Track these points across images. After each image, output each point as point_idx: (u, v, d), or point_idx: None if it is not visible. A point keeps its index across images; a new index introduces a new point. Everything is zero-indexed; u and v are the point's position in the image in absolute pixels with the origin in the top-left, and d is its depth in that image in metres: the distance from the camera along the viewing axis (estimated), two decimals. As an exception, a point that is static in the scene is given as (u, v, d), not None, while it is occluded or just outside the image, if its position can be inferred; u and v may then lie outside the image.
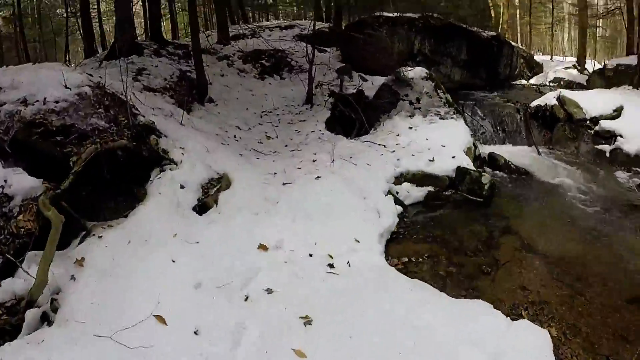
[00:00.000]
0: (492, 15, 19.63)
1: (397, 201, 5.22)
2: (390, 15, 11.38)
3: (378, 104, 8.22)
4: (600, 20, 22.26)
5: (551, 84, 16.48)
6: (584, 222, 5.25)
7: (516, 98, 11.44)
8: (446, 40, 11.80)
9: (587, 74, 17.74)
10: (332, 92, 8.95)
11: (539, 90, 13.86)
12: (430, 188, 5.77)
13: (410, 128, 7.29)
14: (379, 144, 6.63)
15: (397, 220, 4.84)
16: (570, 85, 16.55)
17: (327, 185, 4.78)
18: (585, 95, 9.86)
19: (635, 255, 4.41)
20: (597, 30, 23.38)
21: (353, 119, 8.05)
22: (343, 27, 12.36)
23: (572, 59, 22.32)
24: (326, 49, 11.97)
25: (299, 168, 5.32)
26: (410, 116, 7.66)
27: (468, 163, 6.23)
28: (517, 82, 15.84)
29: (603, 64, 13.26)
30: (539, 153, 8.64)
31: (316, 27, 10.25)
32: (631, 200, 6.14)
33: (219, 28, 12.74)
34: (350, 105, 8.16)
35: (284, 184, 4.92)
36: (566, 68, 18.44)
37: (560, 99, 9.55)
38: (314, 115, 8.43)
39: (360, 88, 9.21)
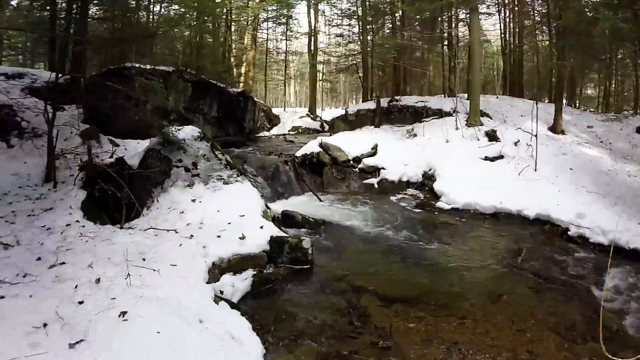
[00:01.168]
0: (234, 72, 20.29)
1: (231, 304, 3.98)
2: (144, 67, 9.83)
3: (146, 175, 6.58)
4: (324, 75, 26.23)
5: (290, 132, 18.40)
6: (403, 251, 5.85)
7: (271, 149, 11.92)
8: (199, 97, 11.27)
9: (319, 121, 20.65)
10: (84, 163, 6.79)
11: (286, 139, 15.12)
12: (252, 271, 4.77)
13: (194, 200, 6.14)
14: (168, 230, 5.19)
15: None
16: (308, 131, 18.82)
17: (144, 326, 3.09)
18: (344, 138, 11.05)
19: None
20: (322, 84, 27.60)
21: (117, 197, 6.18)
22: (86, 81, 9.98)
23: (303, 109, 25.75)
24: (65, 107, 9.37)
25: (80, 302, 3.30)
26: (189, 185, 6.46)
27: (278, 231, 5.60)
28: (261, 134, 16.92)
29: (345, 110, 15.28)
30: (319, 200, 8.85)
31: (54, 78, 7.81)
32: (429, 218, 7.57)
33: None
34: (112, 179, 6.31)
35: (71, 345, 2.83)
36: (301, 117, 20.87)
37: (323, 145, 10.23)
38: (62, 199, 6.04)
39: (117, 155, 7.40)
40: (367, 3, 17.38)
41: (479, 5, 12.80)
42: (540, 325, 4.05)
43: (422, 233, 6.87)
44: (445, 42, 18.28)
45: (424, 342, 3.72)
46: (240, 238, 5.03)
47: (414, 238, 6.61)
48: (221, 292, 4.20)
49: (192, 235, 5.00)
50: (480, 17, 13.48)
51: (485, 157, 9.88)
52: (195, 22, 15.24)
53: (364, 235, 6.71)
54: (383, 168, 9.97)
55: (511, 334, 3.90)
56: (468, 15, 14.13)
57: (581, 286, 5.08)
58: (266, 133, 17.72)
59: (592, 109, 19.98)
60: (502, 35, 20.34)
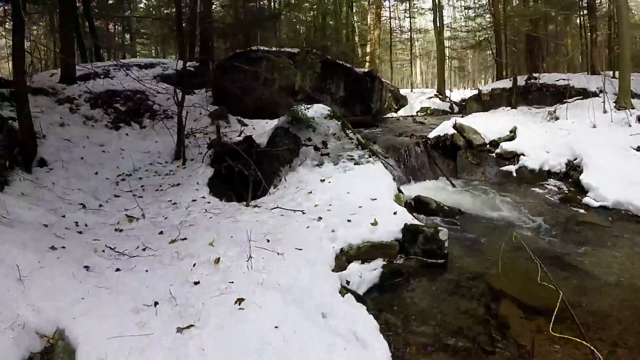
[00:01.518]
0: (359, 52, 19.92)
1: (357, 297, 3.51)
2: (269, 49, 9.83)
3: (274, 153, 6.52)
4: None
5: (419, 114, 17.32)
6: (546, 253, 4.90)
7: (401, 130, 11.18)
8: (326, 77, 11.03)
9: (448, 102, 19.29)
10: (213, 141, 6.94)
11: (415, 120, 14.32)
12: (381, 261, 4.24)
13: (323, 180, 5.79)
14: (295, 210, 4.92)
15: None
16: (437, 112, 17.64)
17: (261, 318, 2.72)
18: (479, 120, 9.90)
19: None
20: (451, 62, 25.80)
21: (244, 175, 6.14)
22: (214, 64, 10.51)
23: (430, 90, 24.34)
24: (195, 90, 9.95)
25: (196, 283, 3.13)
26: (318, 165, 6.16)
27: (412, 218, 4.96)
28: (388, 115, 16.11)
29: (477, 89, 13.92)
30: (453, 186, 7.97)
31: (182, 65, 8.29)
32: (573, 217, 6.39)
33: (62, 62, 9.61)
34: (240, 157, 6.29)
35: (179, 329, 2.57)
36: (429, 98, 19.67)
37: (457, 127, 9.23)
38: (190, 176, 6.25)
39: (245, 134, 7.44)
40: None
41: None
42: None
43: (568, 233, 5.72)
44: (584, 12, 15.29)
45: None
46: (371, 224, 4.53)
47: (558, 238, 5.54)
48: (347, 283, 3.76)
49: (320, 218, 4.64)
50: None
51: (639, 147, 7.98)
52: (316, 5, 15.07)
53: (504, 230, 5.74)
54: (522, 154, 8.67)
55: None
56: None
57: None
58: (393, 114, 16.95)
59: None
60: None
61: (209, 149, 6.87)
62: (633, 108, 9.35)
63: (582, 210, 6.70)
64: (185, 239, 4.02)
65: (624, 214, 6.43)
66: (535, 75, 12.60)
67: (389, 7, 24.46)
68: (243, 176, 6.18)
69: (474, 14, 20.30)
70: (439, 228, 4.63)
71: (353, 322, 2.92)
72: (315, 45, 11.59)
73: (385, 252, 4.35)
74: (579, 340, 3.18)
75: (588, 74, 12.61)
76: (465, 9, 21.07)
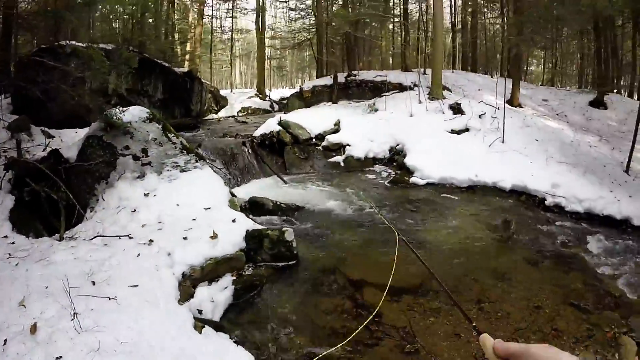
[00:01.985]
0: (179, 50, 18.78)
1: (216, 326, 3.18)
2: (80, 45, 8.26)
3: (87, 168, 5.45)
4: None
5: (240, 114, 17.28)
6: (389, 233, 5.05)
7: (225, 131, 11.01)
8: (143, 77, 10.07)
9: (268, 100, 19.80)
10: (12, 160, 5.56)
11: (237, 120, 14.29)
12: (230, 276, 3.96)
13: (147, 195, 5.16)
14: (120, 236, 4.21)
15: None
16: (258, 111, 17.90)
17: None
18: (303, 116, 10.33)
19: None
20: (271, 62, 26.43)
21: (54, 200, 5.00)
22: (15, 64, 8.48)
23: (250, 90, 24.59)
24: None
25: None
26: (140, 177, 5.45)
27: (252, 223, 4.84)
28: (208, 116, 15.76)
29: (299, 87, 14.48)
30: (284, 182, 8.15)
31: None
32: (404, 195, 7.32)
33: None
34: (46, 178, 5.24)
35: None
36: (249, 97, 19.89)
37: (282, 123, 9.49)
38: None
39: (51, 148, 6.27)
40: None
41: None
42: (552, 299, 3.93)
43: (404, 211, 6.48)
44: (396, 19, 17.91)
45: (452, 337, 3.30)
46: (211, 237, 4.18)
47: (396, 217, 6.19)
48: (200, 312, 3.37)
49: (151, 241, 4.06)
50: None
51: (452, 130, 9.69)
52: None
53: (344, 218, 6.13)
54: (348, 145, 9.46)
55: (531, 312, 3.69)
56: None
57: (571, 254, 5.09)
58: (214, 115, 16.65)
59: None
60: (453, 12, 20.48)
61: (6, 171, 5.51)
62: (445, 98, 11.03)
63: (412, 189, 7.71)
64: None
65: (449, 188, 7.68)
66: (354, 72, 13.75)
67: (212, 6, 23.80)
68: (52, 201, 5.07)
69: (297, 15, 21.14)
70: (284, 229, 4.57)
71: (223, 360, 2.53)
72: (131, 42, 10.48)
73: (231, 265, 4.08)
74: (450, 305, 3.46)
75: (402, 71, 14.43)
76: (289, 9, 21.83)
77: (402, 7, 17.29)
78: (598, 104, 12.79)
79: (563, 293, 4.05)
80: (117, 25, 15.25)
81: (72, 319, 2.69)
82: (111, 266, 3.50)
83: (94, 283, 3.21)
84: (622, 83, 16.86)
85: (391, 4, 17.20)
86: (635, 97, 16.03)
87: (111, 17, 14.41)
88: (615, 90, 14.79)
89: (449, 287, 3.90)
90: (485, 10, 21.05)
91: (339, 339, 3.17)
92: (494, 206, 6.80)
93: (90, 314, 2.78)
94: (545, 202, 6.85)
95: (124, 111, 6.04)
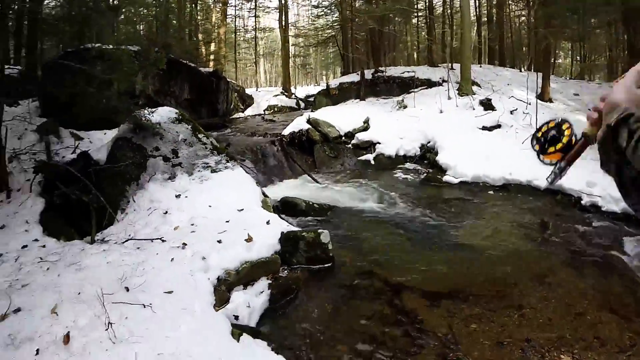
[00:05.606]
0: (203, 50, 18.85)
1: (253, 332, 3.00)
2: (108, 47, 8.39)
3: (117, 170, 5.46)
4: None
5: (266, 112, 17.21)
6: (424, 234, 5.25)
7: (253, 129, 10.88)
8: (170, 78, 10.02)
9: (294, 98, 19.67)
10: (41, 163, 5.54)
11: (264, 119, 14.13)
12: (266, 280, 3.77)
13: (179, 196, 5.05)
14: (152, 239, 4.09)
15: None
16: (284, 109, 17.81)
17: None
18: (331, 114, 10.12)
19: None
20: (296, 60, 26.25)
21: (84, 203, 4.92)
22: (41, 68, 8.62)
23: (275, 88, 24.51)
24: (19, 101, 8.00)
25: None
26: (170, 178, 5.37)
27: (287, 224, 4.64)
28: (235, 115, 15.71)
29: (326, 84, 14.25)
30: (316, 181, 7.93)
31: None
32: (439, 194, 7.09)
33: None
34: (76, 180, 5.16)
35: None
36: (275, 95, 19.78)
37: (311, 121, 9.29)
38: (17, 213, 4.76)
39: (80, 150, 6.24)
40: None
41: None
42: (593, 305, 3.67)
43: (438, 211, 6.20)
44: (421, 14, 17.48)
45: (496, 345, 3.06)
46: (246, 240, 4.00)
47: (431, 217, 5.94)
48: (235, 318, 3.19)
49: (184, 244, 3.91)
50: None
51: (483, 126, 9.32)
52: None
53: (378, 219, 5.91)
54: (378, 143, 9.23)
55: (573, 319, 3.44)
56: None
57: (609, 257, 4.76)
58: (241, 114, 16.62)
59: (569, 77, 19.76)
60: (478, 5, 19.96)
61: (35, 174, 5.48)
62: (474, 94, 10.68)
63: (445, 188, 7.41)
64: (19, 309, 2.81)
65: (482, 186, 7.33)
66: (381, 68, 13.46)
67: (235, 6, 23.91)
68: (83, 204, 5.02)
69: (320, 12, 20.96)
70: (320, 231, 4.36)
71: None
72: (157, 44, 10.45)
73: (267, 269, 3.89)
74: (489, 312, 3.27)
75: (428, 66, 14.05)
76: (312, 7, 21.69)
77: (427, 1, 16.90)
78: (630, 97, 12.14)
79: (603, 298, 3.79)
80: (140, 27, 15.38)
81: (106, 329, 2.55)
82: (145, 271, 3.35)
83: (127, 289, 3.07)
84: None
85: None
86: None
87: (135, 19, 14.55)
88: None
89: (491, 292, 3.70)
90: (511, 2, 20.43)
91: (386, 348, 2.99)
92: (530, 205, 6.47)
93: (125, 323, 2.64)
94: (582, 201, 6.44)
95: (152, 112, 5.98)
